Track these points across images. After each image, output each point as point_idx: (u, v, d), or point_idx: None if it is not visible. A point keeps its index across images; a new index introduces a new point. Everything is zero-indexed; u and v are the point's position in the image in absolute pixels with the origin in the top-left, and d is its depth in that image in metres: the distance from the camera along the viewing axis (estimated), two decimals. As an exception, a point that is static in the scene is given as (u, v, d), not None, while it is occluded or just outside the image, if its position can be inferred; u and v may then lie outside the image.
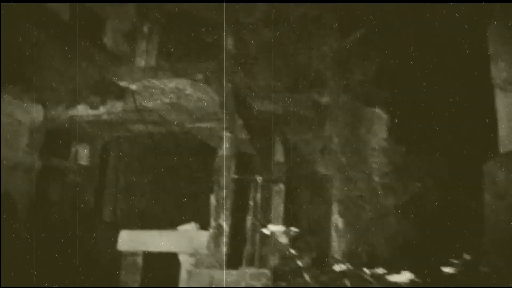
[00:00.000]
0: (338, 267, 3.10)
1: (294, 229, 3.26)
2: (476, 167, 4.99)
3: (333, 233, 5.55)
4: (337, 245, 5.43)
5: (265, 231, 3.29)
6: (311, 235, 5.13)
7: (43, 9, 7.35)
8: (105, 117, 7.77)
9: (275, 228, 3.29)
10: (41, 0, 6.87)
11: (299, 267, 3.15)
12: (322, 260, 3.76)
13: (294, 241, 3.54)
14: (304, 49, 7.04)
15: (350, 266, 3.16)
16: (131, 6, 8.55)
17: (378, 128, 6.20)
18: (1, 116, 7.06)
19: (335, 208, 5.73)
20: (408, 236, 5.59)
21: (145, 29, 8.45)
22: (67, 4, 7.77)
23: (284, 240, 3.31)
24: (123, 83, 7.50)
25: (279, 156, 7.03)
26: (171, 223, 6.91)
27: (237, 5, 7.63)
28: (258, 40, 7.44)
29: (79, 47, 7.59)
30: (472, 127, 6.06)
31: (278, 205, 6.73)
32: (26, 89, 7.44)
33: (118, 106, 7.67)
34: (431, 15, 6.14)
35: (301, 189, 6.67)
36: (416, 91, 6.16)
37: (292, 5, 7.39)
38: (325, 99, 6.77)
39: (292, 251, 3.23)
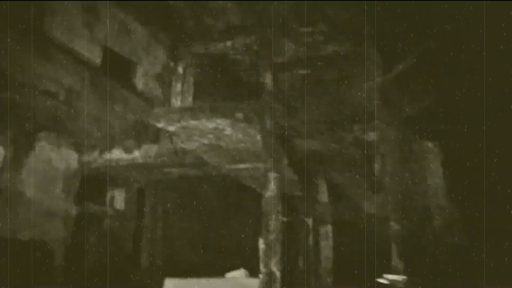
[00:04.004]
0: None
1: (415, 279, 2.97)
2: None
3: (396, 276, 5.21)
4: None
5: (383, 281, 3.01)
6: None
7: (75, 54, 7.32)
8: (140, 160, 7.64)
9: (393, 277, 3.01)
10: None
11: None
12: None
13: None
14: (347, 84, 6.86)
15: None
16: (161, 50, 8.54)
17: (431, 163, 5.91)
18: (37, 163, 6.98)
19: (393, 249, 5.40)
20: (471, 276, 5.25)
21: (180, 69, 8.39)
22: (99, 50, 7.73)
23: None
24: (160, 125, 7.36)
25: (324, 196, 6.75)
26: (215, 270, 6.62)
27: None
28: (298, 78, 7.30)
29: (112, 91, 7.54)
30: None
31: (327, 248, 6.41)
32: (60, 135, 7.37)
33: (154, 149, 7.53)
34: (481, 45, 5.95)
35: (351, 230, 6.37)
36: (469, 122, 5.91)
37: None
38: (371, 135, 6.53)
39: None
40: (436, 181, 5.79)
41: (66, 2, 6.96)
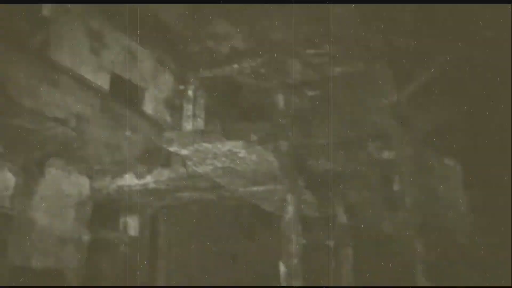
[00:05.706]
0: None
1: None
2: None
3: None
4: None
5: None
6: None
7: (84, 81, 7.32)
8: (152, 185, 7.57)
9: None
10: None
11: None
12: None
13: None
14: (361, 103, 6.82)
15: None
16: (169, 76, 8.53)
17: (451, 181, 5.83)
18: (47, 190, 6.93)
19: (418, 270, 5.30)
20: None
21: (190, 93, 8.36)
22: (108, 76, 7.72)
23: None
24: (172, 149, 7.30)
25: (343, 217, 6.65)
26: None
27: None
28: (309, 98, 7.26)
29: (122, 117, 7.50)
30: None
31: (348, 272, 6.30)
32: (71, 161, 7.32)
33: (166, 173, 7.46)
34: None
35: (371, 253, 6.26)
36: (488, 136, 5.83)
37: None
38: (388, 154, 6.46)
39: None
40: (457, 198, 5.71)
41: (72, 30, 6.96)
